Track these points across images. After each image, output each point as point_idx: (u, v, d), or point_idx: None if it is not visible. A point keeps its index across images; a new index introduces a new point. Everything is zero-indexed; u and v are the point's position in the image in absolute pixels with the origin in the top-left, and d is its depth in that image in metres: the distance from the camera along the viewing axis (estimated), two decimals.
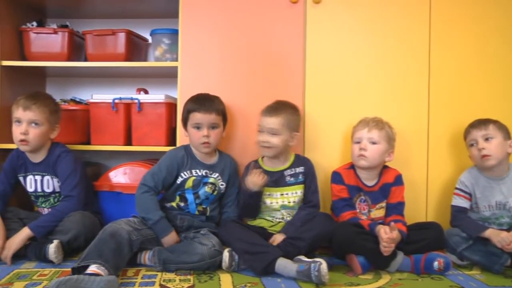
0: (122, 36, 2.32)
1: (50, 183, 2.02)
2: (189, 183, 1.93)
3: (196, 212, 1.95)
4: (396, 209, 1.93)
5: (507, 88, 2.12)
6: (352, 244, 1.75)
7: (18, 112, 1.92)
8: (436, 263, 1.73)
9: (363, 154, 1.89)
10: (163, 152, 2.00)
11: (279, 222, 1.94)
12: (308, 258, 1.68)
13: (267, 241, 1.80)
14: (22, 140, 1.91)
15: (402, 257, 1.76)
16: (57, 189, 2.02)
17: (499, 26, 2.12)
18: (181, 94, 2.11)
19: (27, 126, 1.91)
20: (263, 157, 2.02)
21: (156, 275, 1.70)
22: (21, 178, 2.03)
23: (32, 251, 1.81)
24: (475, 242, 1.83)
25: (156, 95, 2.27)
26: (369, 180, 1.96)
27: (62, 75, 2.68)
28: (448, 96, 2.12)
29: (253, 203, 1.92)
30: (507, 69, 2.12)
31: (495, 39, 2.12)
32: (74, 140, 2.28)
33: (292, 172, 1.97)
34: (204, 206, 1.96)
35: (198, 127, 1.91)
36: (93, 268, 1.51)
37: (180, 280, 1.64)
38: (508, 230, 1.86)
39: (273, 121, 1.90)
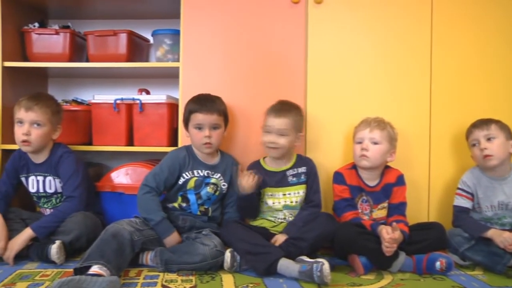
0: (123, 37, 2.33)
1: (52, 184, 2.02)
2: (191, 184, 1.93)
3: (198, 213, 1.95)
4: (398, 209, 1.93)
5: (509, 88, 2.11)
6: (354, 244, 1.75)
7: (20, 113, 1.92)
8: (438, 263, 1.73)
9: (365, 154, 1.89)
10: (165, 153, 2.00)
11: (281, 222, 1.94)
12: (310, 258, 1.68)
13: (269, 241, 1.80)
14: (24, 141, 1.92)
15: (404, 257, 1.76)
16: (59, 190, 2.03)
17: (500, 27, 2.12)
18: (183, 95, 2.11)
19: (29, 127, 1.91)
20: (264, 158, 2.02)
21: (158, 275, 1.70)
22: (23, 179, 2.04)
23: (34, 252, 1.82)
24: (477, 242, 1.83)
25: (157, 96, 2.27)
26: (371, 180, 1.95)
27: (64, 75, 2.68)
28: (450, 96, 2.11)
29: (249, 205, 1.92)
30: (509, 69, 2.12)
31: (497, 39, 2.12)
32: (76, 140, 2.29)
33: (294, 172, 1.97)
34: (206, 207, 1.96)
35: (199, 127, 1.91)
36: (95, 269, 1.51)
37: (182, 280, 1.65)
38: (510, 230, 1.86)
39: (281, 122, 1.90)
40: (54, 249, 1.76)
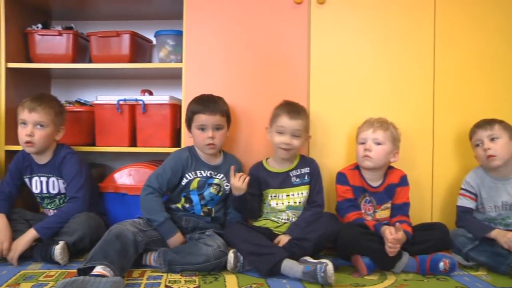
0: (126, 38, 2.33)
1: (55, 185, 2.03)
2: (194, 184, 1.93)
3: (201, 213, 1.95)
4: (401, 210, 1.92)
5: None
6: (357, 245, 1.75)
7: (24, 114, 1.92)
8: (441, 264, 1.73)
9: (368, 154, 1.89)
10: (168, 153, 2.00)
11: (285, 223, 1.94)
12: (314, 259, 1.68)
13: (272, 242, 1.81)
14: (27, 142, 1.92)
15: (408, 258, 1.75)
16: (63, 191, 2.03)
17: (503, 27, 2.11)
18: (186, 95, 2.12)
19: (32, 128, 1.92)
20: (267, 159, 2.02)
21: (162, 276, 1.70)
22: (26, 180, 2.04)
23: (38, 253, 1.82)
24: (481, 243, 1.83)
25: (160, 96, 2.27)
26: (374, 180, 1.95)
27: (67, 76, 2.69)
28: (453, 97, 2.11)
29: (243, 206, 1.91)
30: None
31: (500, 40, 2.11)
32: (79, 141, 2.29)
33: (297, 173, 1.97)
34: (209, 207, 1.97)
35: (202, 128, 1.91)
36: (98, 269, 1.51)
37: (185, 281, 1.65)
38: None
39: (296, 124, 1.89)
40: (58, 249, 1.76)
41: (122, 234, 1.67)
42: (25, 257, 1.83)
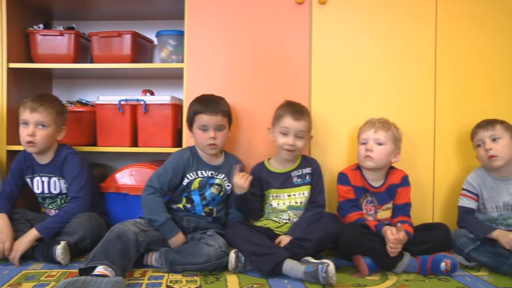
0: (128, 38, 2.33)
1: (57, 185, 2.03)
2: (195, 185, 1.94)
3: (203, 213, 1.95)
4: (402, 210, 1.92)
5: None
6: (358, 245, 1.75)
7: (25, 114, 1.93)
8: (443, 264, 1.73)
9: (370, 155, 1.89)
10: (169, 153, 2.00)
11: (286, 223, 1.94)
12: (315, 259, 1.68)
13: (273, 242, 1.81)
14: (29, 142, 1.93)
15: (409, 258, 1.75)
16: (64, 191, 2.03)
17: (504, 28, 2.11)
18: (187, 95, 2.12)
19: (34, 128, 1.92)
20: (269, 159, 2.02)
21: (163, 276, 1.70)
22: (28, 180, 2.04)
23: (39, 252, 1.82)
24: (483, 243, 1.83)
25: (162, 97, 2.27)
26: (375, 181, 1.95)
27: (69, 76, 2.69)
28: (454, 97, 2.11)
29: (244, 205, 1.91)
30: None
31: (501, 40, 2.11)
32: (81, 141, 2.29)
33: (299, 173, 1.97)
34: (210, 207, 1.97)
35: (204, 129, 1.91)
36: (100, 269, 1.51)
37: (186, 281, 1.65)
38: None
39: (301, 125, 1.89)
40: (59, 249, 1.77)
41: (123, 234, 1.68)
42: (27, 257, 1.83)
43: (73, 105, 2.44)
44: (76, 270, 1.58)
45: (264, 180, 1.96)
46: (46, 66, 2.32)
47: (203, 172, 1.95)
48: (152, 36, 2.53)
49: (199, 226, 1.92)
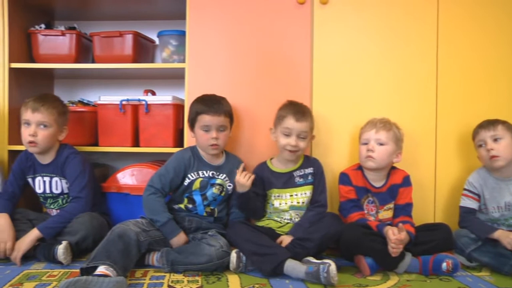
0: (129, 38, 2.34)
1: (58, 185, 2.03)
2: (197, 185, 1.94)
3: (204, 214, 1.95)
4: (404, 210, 1.92)
5: None
6: (360, 245, 1.74)
7: (27, 114, 1.93)
8: (444, 265, 1.72)
9: (371, 155, 1.89)
10: (171, 153, 2.00)
11: (287, 223, 1.94)
12: (316, 259, 1.68)
13: (275, 242, 1.81)
14: (30, 142, 1.93)
15: (410, 258, 1.75)
16: (66, 191, 2.04)
17: (505, 28, 2.11)
18: (189, 95, 2.12)
19: (35, 128, 1.92)
20: (271, 159, 2.02)
21: (164, 276, 1.70)
22: (29, 180, 2.05)
23: (41, 252, 1.83)
24: (484, 244, 1.82)
25: (163, 97, 2.27)
26: (377, 181, 1.95)
27: (70, 77, 2.69)
28: (456, 97, 2.11)
29: (246, 204, 1.91)
30: None
31: (503, 41, 2.11)
32: (82, 141, 2.29)
33: (301, 173, 1.97)
34: (212, 207, 1.97)
35: (206, 129, 1.90)
36: (101, 269, 1.51)
37: (188, 281, 1.65)
38: None
39: (303, 126, 1.89)
40: (61, 249, 1.77)
41: (125, 234, 1.68)
42: (28, 257, 1.83)
43: (74, 105, 2.44)
44: (78, 270, 1.58)
45: (266, 180, 1.96)
46: (48, 66, 2.32)
47: (204, 172, 1.95)
48: (153, 36, 2.53)
49: (201, 226, 1.92)
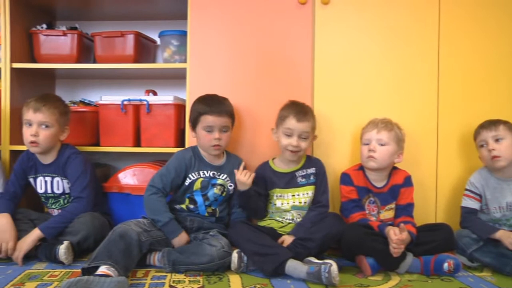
0: (130, 38, 2.34)
1: (60, 185, 2.03)
2: (198, 185, 1.93)
3: (206, 214, 1.95)
4: (405, 211, 1.92)
5: None
6: (361, 245, 1.74)
7: (29, 114, 1.93)
8: (446, 265, 1.72)
9: (372, 155, 1.89)
10: (172, 154, 2.00)
11: (289, 223, 1.94)
12: (318, 259, 1.68)
13: (276, 242, 1.81)
14: (32, 142, 1.93)
15: (412, 259, 1.75)
16: (67, 191, 2.04)
17: (506, 29, 2.11)
18: (190, 96, 2.12)
19: (37, 128, 1.92)
20: (273, 159, 2.02)
21: (166, 276, 1.70)
22: (31, 180, 2.05)
23: (42, 252, 1.83)
24: (486, 244, 1.82)
25: (164, 97, 2.28)
26: (378, 181, 1.95)
27: (72, 77, 2.69)
28: (457, 97, 2.11)
29: (247, 202, 1.91)
30: None
31: (504, 41, 2.11)
32: (84, 141, 2.30)
33: (303, 173, 1.97)
34: (213, 208, 1.97)
35: (209, 130, 1.90)
36: (103, 269, 1.51)
37: (189, 281, 1.65)
38: None
39: (305, 126, 1.89)
40: (62, 249, 1.77)
41: (126, 233, 1.68)
42: (30, 257, 1.83)
43: (76, 105, 2.45)
44: (79, 270, 1.58)
45: (268, 180, 1.96)
46: (49, 66, 2.32)
47: (205, 172, 1.95)
48: (155, 36, 2.53)
49: (202, 226, 1.92)
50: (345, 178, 1.96)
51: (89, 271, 1.53)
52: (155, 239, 1.79)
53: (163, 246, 1.81)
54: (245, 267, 1.74)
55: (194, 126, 1.95)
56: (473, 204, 1.95)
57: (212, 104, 1.91)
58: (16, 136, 2.21)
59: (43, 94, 2.04)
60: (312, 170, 1.98)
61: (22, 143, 2.05)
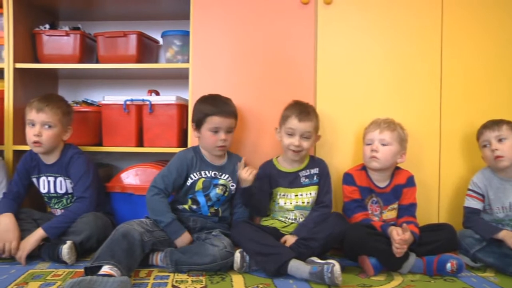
0: (133, 38, 2.34)
1: (63, 185, 2.04)
2: (199, 185, 1.93)
3: (209, 214, 1.95)
4: (408, 211, 1.92)
5: None
6: (364, 245, 1.74)
7: (32, 114, 1.94)
8: (449, 265, 1.72)
9: (375, 155, 1.89)
10: (175, 153, 2.00)
11: (292, 223, 1.94)
12: (320, 259, 1.68)
13: (279, 241, 1.81)
14: (35, 142, 1.93)
15: (415, 259, 1.75)
16: (70, 190, 2.04)
17: (508, 29, 2.10)
18: (193, 96, 2.12)
19: (40, 128, 1.93)
20: (277, 157, 2.02)
21: (169, 276, 1.70)
22: (34, 180, 2.05)
23: (45, 252, 1.83)
24: (489, 244, 1.82)
25: (167, 97, 2.28)
26: (381, 181, 1.95)
27: (74, 77, 2.70)
28: (460, 97, 2.10)
29: (249, 199, 1.90)
30: None
31: (506, 41, 2.11)
32: (86, 141, 2.30)
33: (307, 173, 1.97)
34: (216, 208, 1.97)
35: (216, 131, 1.90)
36: (106, 269, 1.52)
37: (192, 281, 1.65)
38: None
39: (306, 126, 1.89)
40: (65, 249, 1.77)
41: (129, 233, 1.68)
42: (33, 257, 1.84)
43: (78, 105, 2.45)
44: (82, 270, 1.58)
45: (272, 178, 1.96)
46: (52, 66, 2.33)
47: (207, 172, 1.95)
48: (157, 36, 2.54)
49: (205, 226, 1.92)
50: (348, 178, 1.96)
51: (92, 270, 1.54)
52: (157, 239, 1.79)
53: (165, 246, 1.81)
54: (247, 267, 1.74)
55: (198, 126, 1.94)
56: (476, 204, 1.94)
57: (218, 105, 1.91)
58: (19, 136, 2.22)
59: (46, 94, 2.05)
60: (315, 171, 1.98)
61: (25, 143, 2.05)
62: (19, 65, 2.27)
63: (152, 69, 2.33)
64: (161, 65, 2.41)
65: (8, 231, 1.84)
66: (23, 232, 1.87)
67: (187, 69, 2.17)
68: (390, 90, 2.12)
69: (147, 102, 2.25)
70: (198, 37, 2.16)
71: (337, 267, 1.58)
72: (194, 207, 1.95)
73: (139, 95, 2.32)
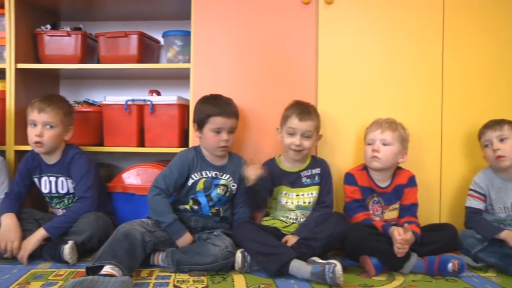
0: (134, 38, 2.34)
1: (64, 185, 2.04)
2: (200, 185, 1.93)
3: (210, 214, 1.95)
4: (409, 211, 1.92)
5: None
6: (365, 245, 1.74)
7: (33, 115, 1.94)
8: (450, 265, 1.72)
9: (376, 155, 1.89)
10: (176, 154, 2.00)
11: (293, 223, 1.94)
12: (322, 259, 1.68)
13: (280, 241, 1.81)
14: (37, 142, 1.94)
15: (416, 259, 1.75)
16: (71, 190, 2.04)
17: (509, 30, 2.10)
18: (194, 96, 2.12)
19: (42, 128, 1.93)
20: (279, 156, 2.02)
21: (170, 276, 1.71)
22: (35, 180, 2.05)
23: (47, 252, 1.83)
24: (490, 244, 1.82)
25: (168, 97, 2.28)
26: (382, 181, 1.95)
27: (76, 77, 2.70)
28: (461, 97, 2.10)
29: (252, 197, 1.90)
30: None
31: (507, 42, 2.10)
32: (88, 141, 2.30)
33: (308, 174, 1.97)
34: (217, 208, 1.96)
35: (218, 131, 1.89)
36: (107, 269, 1.52)
37: (193, 281, 1.65)
38: None
39: (307, 125, 1.89)
40: (67, 249, 1.78)
41: (130, 233, 1.68)
42: (35, 256, 1.84)
43: (80, 105, 2.44)
44: (84, 270, 1.59)
45: (274, 176, 1.95)
46: (54, 67, 2.33)
47: (207, 172, 1.95)
48: (158, 37, 2.54)
49: (207, 226, 1.92)
50: (349, 178, 1.96)
51: (94, 270, 1.54)
52: (159, 239, 1.79)
53: (167, 247, 1.81)
54: (249, 267, 1.74)
55: (200, 127, 1.94)
56: (477, 204, 1.94)
57: (221, 105, 1.91)
58: (21, 136, 2.22)
59: (47, 95, 2.05)
60: (317, 171, 1.98)
61: (26, 143, 2.06)
62: (21, 66, 2.27)
63: (153, 69, 2.33)
64: (162, 65, 2.41)
65: (10, 231, 1.85)
66: (25, 232, 1.87)
67: (188, 69, 2.17)
68: (391, 90, 2.12)
69: (148, 102, 2.25)
70: (199, 37, 2.16)
71: (338, 267, 1.57)
72: (196, 207, 1.95)
73: (140, 95, 2.32)
